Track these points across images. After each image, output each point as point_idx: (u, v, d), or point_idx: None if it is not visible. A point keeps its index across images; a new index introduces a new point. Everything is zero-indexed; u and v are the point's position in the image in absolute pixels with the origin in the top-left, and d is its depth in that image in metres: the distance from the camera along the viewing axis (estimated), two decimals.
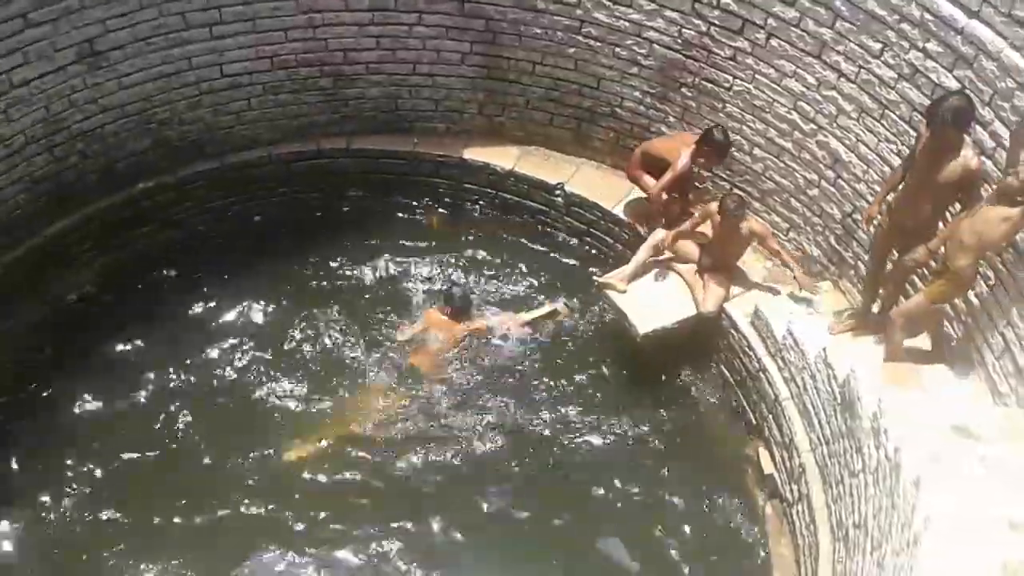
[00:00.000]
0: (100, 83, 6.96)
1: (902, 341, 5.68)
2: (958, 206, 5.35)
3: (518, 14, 7.41)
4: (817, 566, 5.65)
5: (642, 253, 7.14)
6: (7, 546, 6.09)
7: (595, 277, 7.39)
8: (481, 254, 8.09)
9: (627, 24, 7.16)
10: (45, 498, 6.27)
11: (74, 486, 6.35)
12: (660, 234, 7.12)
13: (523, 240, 8.25)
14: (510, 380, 7.15)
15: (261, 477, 6.49)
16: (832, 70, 6.20)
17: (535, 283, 7.87)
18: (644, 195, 7.40)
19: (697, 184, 7.35)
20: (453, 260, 7.98)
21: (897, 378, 5.48)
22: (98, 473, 6.44)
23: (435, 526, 6.32)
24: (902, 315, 5.61)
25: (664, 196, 7.14)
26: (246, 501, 6.35)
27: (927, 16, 5.41)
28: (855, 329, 6.13)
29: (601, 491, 6.58)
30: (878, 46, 5.83)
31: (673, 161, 6.96)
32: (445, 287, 7.53)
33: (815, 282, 6.70)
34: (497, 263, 8.03)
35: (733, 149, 6.97)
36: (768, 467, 6.61)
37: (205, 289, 7.60)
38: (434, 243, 8.14)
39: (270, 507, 6.32)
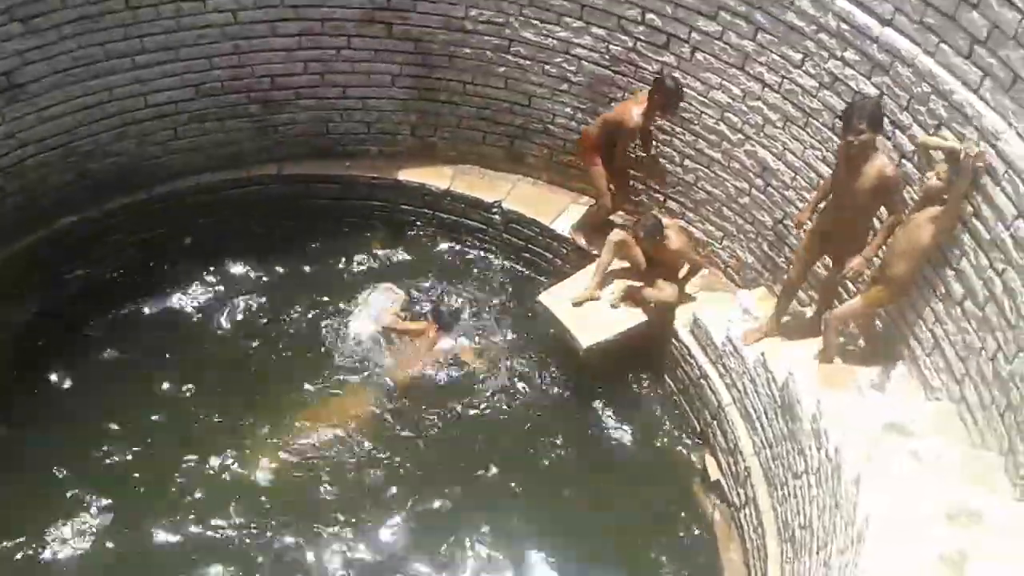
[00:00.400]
0: (19, 117, 6.78)
1: (837, 343, 5.81)
2: (885, 213, 5.50)
3: (447, 35, 7.43)
4: (767, 568, 5.71)
5: (605, 255, 7.11)
6: None
7: (543, 298, 7.26)
8: (421, 274, 8.06)
9: (555, 42, 7.23)
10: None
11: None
12: (618, 235, 7.09)
13: (462, 259, 8.24)
14: (459, 400, 7.15)
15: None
16: (756, 81, 6.33)
17: (475, 300, 7.85)
18: (589, 205, 7.47)
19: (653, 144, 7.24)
20: (391, 282, 7.92)
21: (833, 379, 5.59)
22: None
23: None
24: (839, 319, 5.74)
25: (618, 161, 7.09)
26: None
27: (843, 26, 5.57)
28: (768, 335, 6.26)
29: (549, 501, 6.59)
30: (799, 56, 5.98)
31: (627, 119, 6.80)
32: (433, 305, 7.62)
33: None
34: (437, 282, 7.99)
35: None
36: (715, 473, 6.68)
37: (134, 329, 7.42)
38: (373, 265, 8.10)
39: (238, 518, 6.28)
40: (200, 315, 7.59)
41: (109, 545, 6.14)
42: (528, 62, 7.44)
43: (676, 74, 6.65)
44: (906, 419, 5.05)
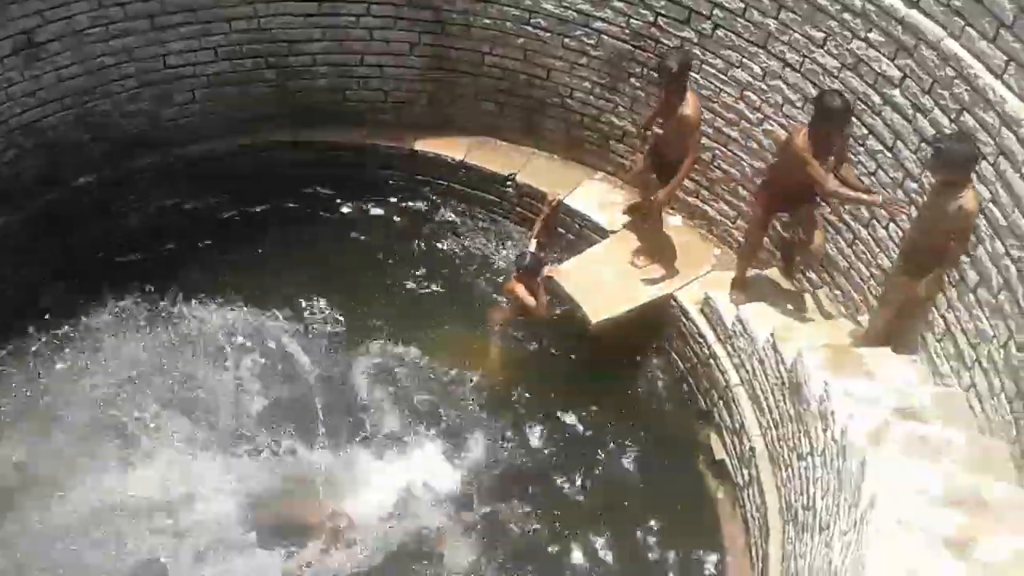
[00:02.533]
0: (38, 75, 6.81)
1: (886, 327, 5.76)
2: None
3: (467, 4, 7.39)
4: (768, 548, 5.74)
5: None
6: None
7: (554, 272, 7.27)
8: (435, 245, 8.08)
9: (575, 15, 7.17)
10: None
11: None
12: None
13: (475, 230, 8.23)
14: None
15: None
16: (777, 60, 6.27)
17: (489, 272, 7.86)
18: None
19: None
20: (409, 252, 7.97)
21: (842, 362, 5.57)
22: None
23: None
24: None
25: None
26: None
27: (868, 6, 5.51)
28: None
29: (555, 480, 6.62)
30: (821, 36, 5.91)
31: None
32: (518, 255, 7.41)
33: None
34: (451, 253, 8.01)
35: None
36: (719, 452, 6.69)
37: (150, 288, 7.40)
38: (390, 234, 8.12)
39: None
40: (212, 276, 7.58)
41: None
42: (547, 34, 7.39)
43: (696, 50, 6.52)
44: (914, 404, 5.04)
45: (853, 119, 5.72)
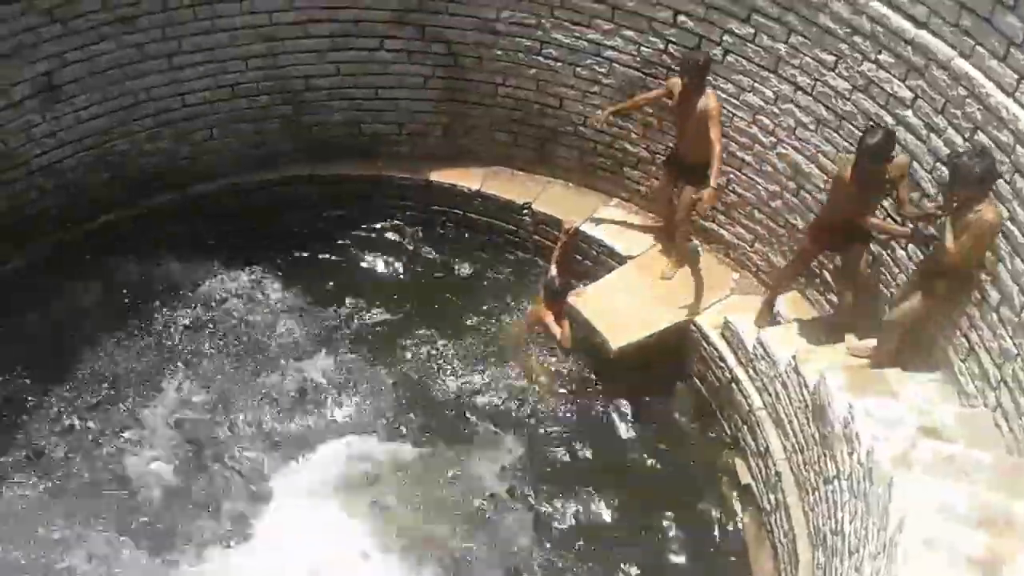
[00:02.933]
0: (58, 117, 6.90)
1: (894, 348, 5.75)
2: None
3: (479, 37, 7.46)
4: (798, 574, 5.68)
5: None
6: None
7: (573, 299, 7.22)
8: (452, 275, 8.12)
9: (586, 44, 7.24)
10: None
11: None
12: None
13: (493, 260, 8.26)
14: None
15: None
16: (788, 83, 6.31)
17: (507, 301, 7.87)
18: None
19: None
20: (426, 282, 8.02)
21: (866, 384, 5.55)
22: None
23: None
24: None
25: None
26: None
27: (877, 28, 5.54)
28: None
29: (575, 504, 6.59)
30: (832, 59, 5.94)
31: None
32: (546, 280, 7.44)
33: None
34: (469, 283, 8.05)
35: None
36: (745, 477, 6.65)
37: (171, 326, 7.49)
38: (407, 265, 8.18)
39: None
40: (234, 313, 7.64)
41: None
42: (559, 64, 7.46)
43: (707, 76, 6.58)
44: (940, 424, 5.02)
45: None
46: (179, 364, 7.23)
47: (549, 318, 7.15)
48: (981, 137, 5.00)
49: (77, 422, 6.78)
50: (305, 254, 8.14)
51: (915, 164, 5.59)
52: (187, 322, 7.52)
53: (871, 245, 6.02)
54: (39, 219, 7.16)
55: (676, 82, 6.55)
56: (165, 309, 7.56)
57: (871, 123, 5.67)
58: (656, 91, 6.82)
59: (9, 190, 6.89)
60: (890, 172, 5.45)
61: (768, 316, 6.60)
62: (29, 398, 6.83)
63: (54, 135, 6.96)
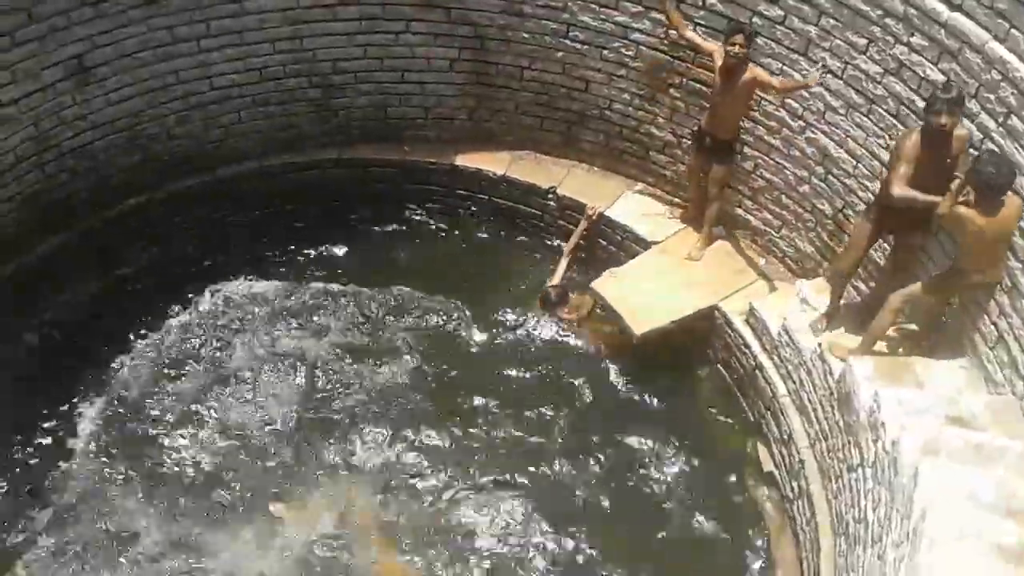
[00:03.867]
0: (88, 100, 6.95)
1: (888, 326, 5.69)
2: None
3: (505, 19, 7.43)
4: (819, 561, 5.66)
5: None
6: None
7: (597, 285, 7.26)
8: (478, 258, 8.14)
9: (613, 26, 7.19)
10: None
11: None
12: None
13: (518, 244, 8.26)
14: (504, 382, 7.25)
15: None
16: (819, 66, 6.20)
17: (531, 287, 7.86)
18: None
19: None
20: (452, 266, 8.03)
21: (892, 372, 5.50)
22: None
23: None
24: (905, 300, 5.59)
25: None
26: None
27: (910, 10, 5.45)
28: (833, 326, 6.18)
29: (599, 490, 6.59)
30: (863, 42, 5.86)
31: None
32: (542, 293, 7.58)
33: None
34: (495, 268, 8.05)
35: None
36: (767, 464, 6.63)
37: (201, 307, 7.58)
38: (433, 250, 8.20)
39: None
40: (261, 296, 7.71)
41: None
42: (586, 47, 7.41)
43: None
44: (967, 413, 4.96)
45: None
46: (212, 346, 7.34)
47: (563, 313, 7.45)
48: (1015, 122, 4.92)
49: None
50: (330, 237, 8.17)
51: None
52: (215, 306, 7.62)
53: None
54: (70, 201, 7.24)
55: (719, 50, 6.42)
56: (190, 292, 7.65)
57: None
58: (711, 44, 6.56)
59: (41, 173, 6.96)
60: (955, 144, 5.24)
61: (830, 320, 6.26)
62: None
63: (85, 118, 7.02)
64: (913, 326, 5.89)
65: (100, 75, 6.89)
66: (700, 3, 6.66)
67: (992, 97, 5.05)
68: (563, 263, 7.74)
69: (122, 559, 6.09)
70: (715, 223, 7.29)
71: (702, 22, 6.72)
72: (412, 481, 6.57)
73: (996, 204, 4.84)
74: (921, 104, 5.53)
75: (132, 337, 7.32)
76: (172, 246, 7.91)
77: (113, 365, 7.13)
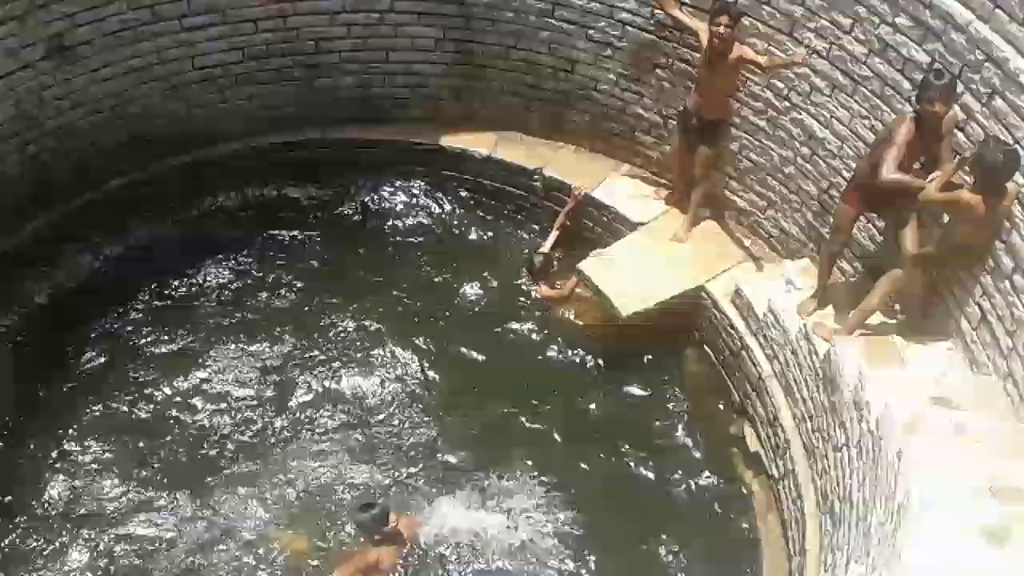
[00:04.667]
0: (70, 79, 6.89)
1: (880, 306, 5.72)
2: None
3: None
4: (804, 540, 5.70)
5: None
6: None
7: (584, 266, 7.22)
8: (462, 240, 8.12)
9: (599, 6, 7.15)
10: None
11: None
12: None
13: (503, 225, 8.25)
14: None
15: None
16: (804, 47, 6.21)
17: (515, 267, 7.86)
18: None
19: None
20: (437, 247, 8.02)
21: (876, 352, 5.52)
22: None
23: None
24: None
25: None
26: None
27: None
28: (821, 307, 6.17)
29: (584, 469, 6.61)
30: (848, 22, 5.85)
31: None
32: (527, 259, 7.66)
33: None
34: (480, 249, 8.05)
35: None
36: (754, 444, 6.66)
37: (184, 290, 7.55)
38: (418, 229, 8.17)
39: None
40: (247, 277, 7.70)
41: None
42: (572, 27, 7.38)
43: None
44: (951, 393, 5.00)
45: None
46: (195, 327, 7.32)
47: (543, 290, 7.47)
48: (998, 102, 4.93)
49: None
50: (315, 217, 8.15)
51: None
52: (205, 285, 7.63)
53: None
54: (53, 182, 7.16)
55: (705, 30, 6.37)
56: (177, 274, 7.62)
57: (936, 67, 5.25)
58: (698, 23, 6.48)
59: (24, 153, 6.88)
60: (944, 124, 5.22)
61: (815, 302, 6.22)
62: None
63: (67, 97, 6.95)
64: (897, 307, 5.92)
65: (81, 54, 6.82)
66: None
67: (976, 78, 5.06)
68: (552, 235, 7.74)
69: None
70: (701, 206, 7.28)
71: (687, 2, 6.70)
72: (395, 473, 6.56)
73: (1000, 191, 4.84)
74: (906, 85, 5.55)
75: (112, 321, 7.28)
76: (156, 227, 7.84)
77: (96, 349, 7.09)
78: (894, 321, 5.88)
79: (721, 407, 7.02)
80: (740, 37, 6.40)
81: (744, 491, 6.62)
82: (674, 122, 7.25)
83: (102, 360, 7.06)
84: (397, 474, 6.52)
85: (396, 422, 6.81)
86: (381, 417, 6.83)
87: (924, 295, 5.71)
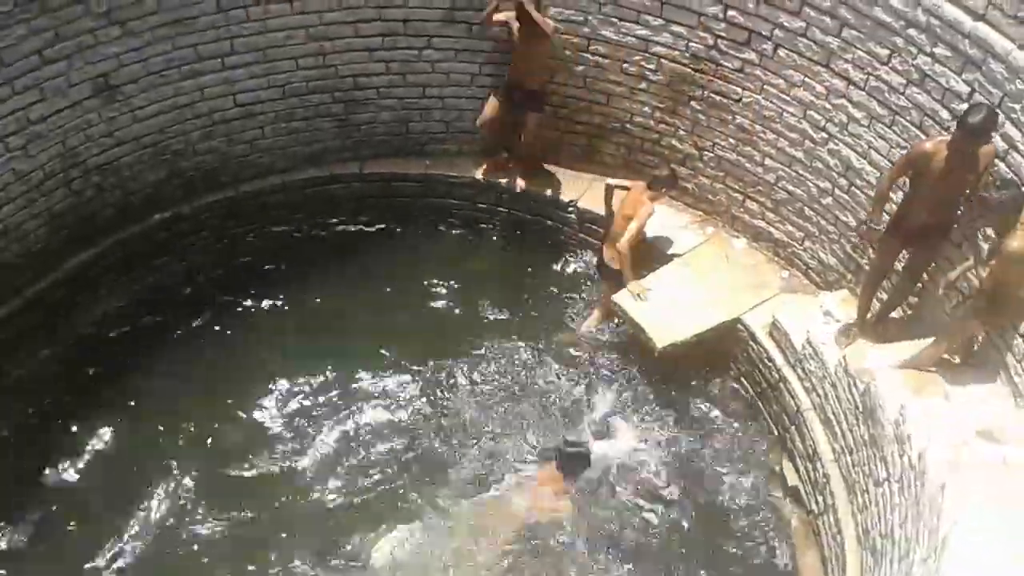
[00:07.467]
0: (115, 116, 7.04)
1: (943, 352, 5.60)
2: None
3: None
4: None
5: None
6: None
7: (618, 298, 7.18)
8: (498, 273, 8.16)
9: (634, 40, 7.20)
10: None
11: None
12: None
13: (539, 257, 8.26)
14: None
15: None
16: (841, 78, 6.20)
17: (553, 300, 7.90)
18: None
19: None
20: (475, 278, 8.08)
21: (918, 385, 5.44)
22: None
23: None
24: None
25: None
26: None
27: (933, 20, 5.42)
28: (861, 337, 6.10)
29: (626, 509, 6.55)
30: (886, 52, 5.83)
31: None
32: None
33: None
34: (515, 281, 8.07)
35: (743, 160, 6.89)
36: (792, 479, 6.57)
37: (227, 321, 7.65)
38: (456, 264, 8.21)
39: None
40: (286, 309, 7.80)
41: None
42: (607, 60, 7.43)
43: (757, 71, 6.53)
44: (995, 426, 4.90)
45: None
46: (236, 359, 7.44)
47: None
48: None
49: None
50: (353, 251, 8.22)
51: None
52: (245, 317, 7.74)
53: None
54: (96, 218, 7.33)
55: (512, 15, 7.18)
56: (215, 306, 7.75)
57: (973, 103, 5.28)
58: (507, 15, 7.24)
59: (68, 190, 7.05)
60: (982, 158, 5.20)
61: (861, 331, 6.19)
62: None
63: (111, 134, 7.11)
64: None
65: (126, 92, 6.98)
66: (721, 16, 6.67)
67: (1017, 107, 5.01)
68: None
69: None
70: (533, 166, 7.95)
71: (722, 34, 6.74)
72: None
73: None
74: (945, 114, 5.50)
75: (159, 351, 7.38)
76: (197, 261, 7.98)
77: (140, 380, 7.19)
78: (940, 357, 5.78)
79: (758, 440, 6.93)
80: (773, 69, 6.43)
81: (783, 526, 6.50)
82: (710, 153, 7.25)
83: (141, 385, 7.18)
84: None
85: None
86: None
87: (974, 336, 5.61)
